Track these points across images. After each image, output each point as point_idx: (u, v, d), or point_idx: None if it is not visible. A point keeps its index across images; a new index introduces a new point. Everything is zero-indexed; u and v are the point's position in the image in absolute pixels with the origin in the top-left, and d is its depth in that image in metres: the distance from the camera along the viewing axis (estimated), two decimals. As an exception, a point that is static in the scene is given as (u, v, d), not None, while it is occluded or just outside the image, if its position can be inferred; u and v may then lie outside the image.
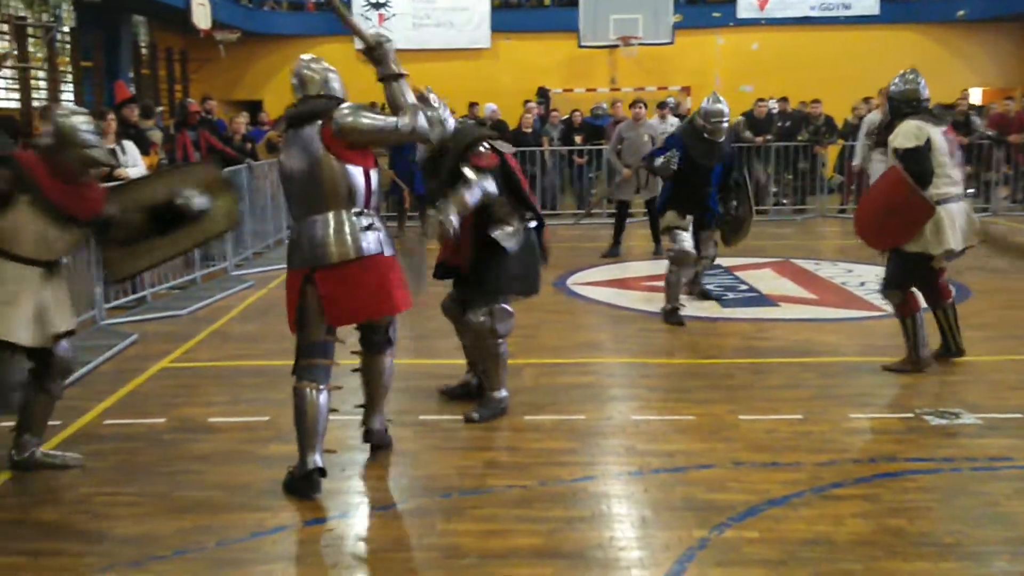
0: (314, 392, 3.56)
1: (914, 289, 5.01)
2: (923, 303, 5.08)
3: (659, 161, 6.23)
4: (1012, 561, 3.01)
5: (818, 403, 4.57)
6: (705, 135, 6.19)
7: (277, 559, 3.11)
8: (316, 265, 3.52)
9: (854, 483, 3.62)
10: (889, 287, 5.02)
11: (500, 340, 4.37)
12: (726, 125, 6.26)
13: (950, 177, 4.85)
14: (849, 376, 5.09)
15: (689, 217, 6.28)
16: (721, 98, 6.37)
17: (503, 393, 4.45)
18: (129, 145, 7.42)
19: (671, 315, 6.29)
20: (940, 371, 5.10)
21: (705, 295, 6.98)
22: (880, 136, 5.23)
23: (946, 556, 3.04)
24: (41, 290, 3.70)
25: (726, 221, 6.51)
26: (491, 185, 4.19)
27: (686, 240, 6.23)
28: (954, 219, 4.82)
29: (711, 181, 6.30)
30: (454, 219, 4.03)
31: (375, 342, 3.87)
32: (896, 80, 5.04)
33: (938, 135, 4.83)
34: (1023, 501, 3.44)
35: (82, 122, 3.69)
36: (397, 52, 3.67)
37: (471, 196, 4.10)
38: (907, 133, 4.79)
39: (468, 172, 4.13)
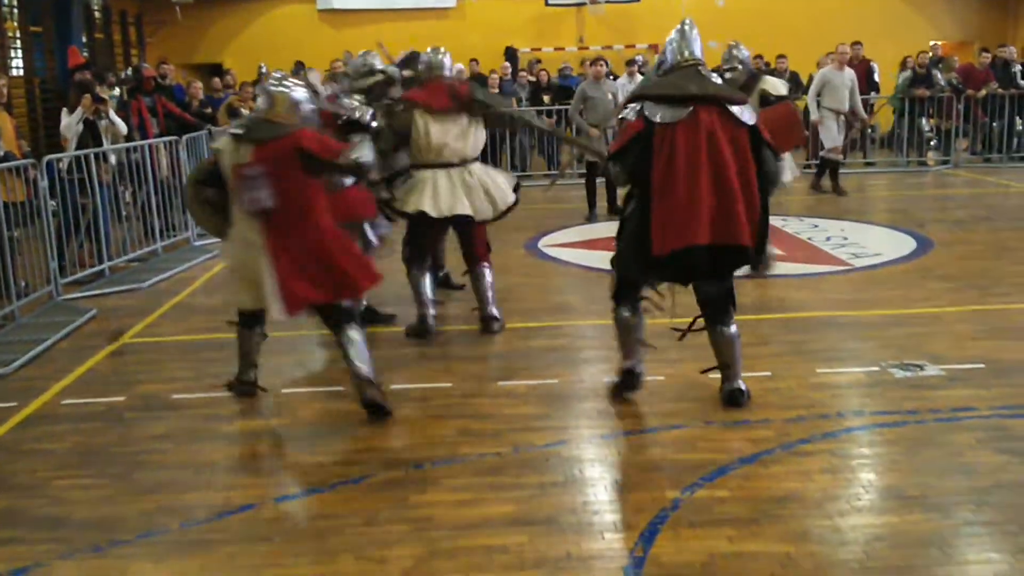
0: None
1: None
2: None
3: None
4: (976, 511, 3.05)
5: (786, 359, 4.60)
6: None
7: (245, 539, 3.04)
8: None
9: (822, 438, 3.65)
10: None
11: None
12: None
13: None
14: (816, 331, 5.12)
15: None
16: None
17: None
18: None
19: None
20: (904, 324, 5.16)
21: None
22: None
23: (912, 508, 3.08)
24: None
25: None
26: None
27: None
28: None
29: None
30: None
31: None
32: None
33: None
34: (985, 451, 3.50)
35: None
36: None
37: None
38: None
39: None
